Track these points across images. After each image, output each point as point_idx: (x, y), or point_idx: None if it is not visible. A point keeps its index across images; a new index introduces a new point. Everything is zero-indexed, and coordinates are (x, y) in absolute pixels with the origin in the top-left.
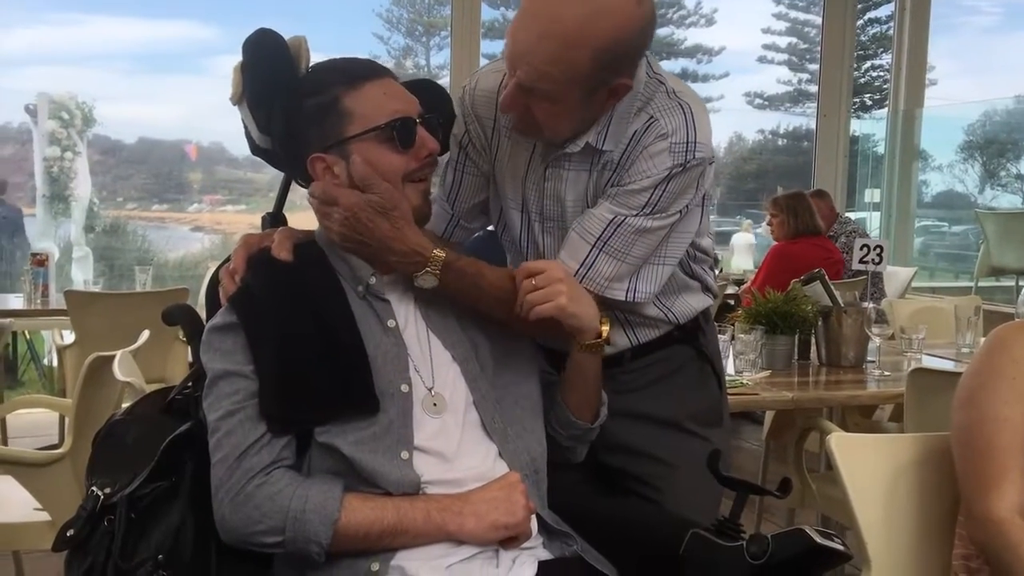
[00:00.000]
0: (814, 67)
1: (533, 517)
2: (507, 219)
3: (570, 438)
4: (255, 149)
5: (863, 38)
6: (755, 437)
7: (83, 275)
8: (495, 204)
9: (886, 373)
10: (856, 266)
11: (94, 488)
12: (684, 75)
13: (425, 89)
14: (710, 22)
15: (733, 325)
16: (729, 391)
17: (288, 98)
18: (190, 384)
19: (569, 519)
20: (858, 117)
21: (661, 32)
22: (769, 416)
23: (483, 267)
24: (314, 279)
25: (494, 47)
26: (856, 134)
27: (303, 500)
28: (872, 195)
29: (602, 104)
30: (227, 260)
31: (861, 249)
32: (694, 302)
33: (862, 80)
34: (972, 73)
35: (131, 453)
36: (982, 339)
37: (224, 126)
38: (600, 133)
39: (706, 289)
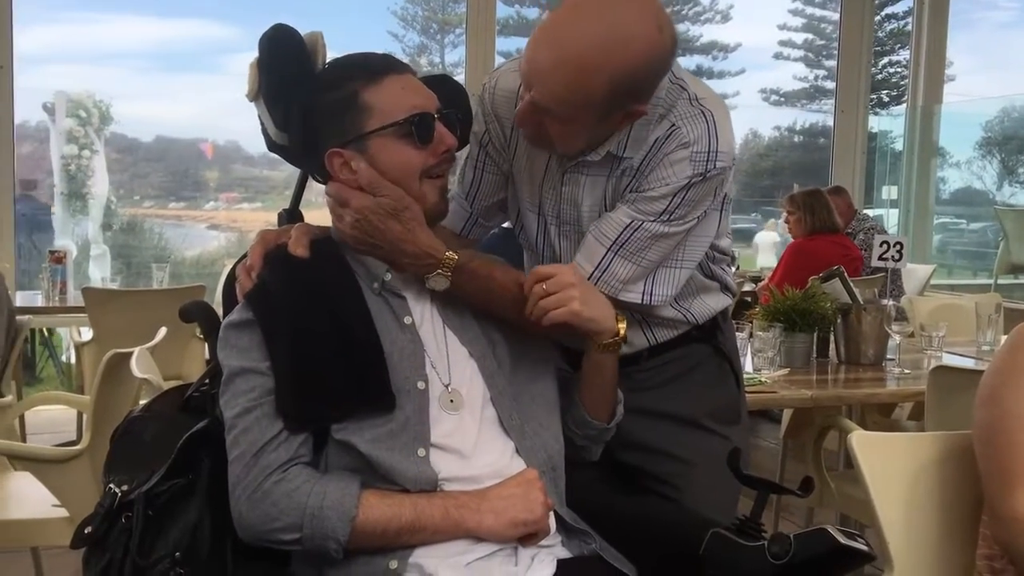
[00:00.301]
0: (831, 63)
1: (551, 514)
2: (523, 221)
3: (585, 437)
4: (271, 146)
5: (880, 34)
6: (772, 435)
7: (101, 272)
8: (513, 204)
9: (906, 371)
10: (875, 263)
11: (112, 485)
12: (699, 72)
13: (442, 84)
14: (726, 18)
15: (751, 322)
16: (747, 389)
17: (305, 93)
18: (207, 381)
19: (586, 517)
20: (875, 113)
21: (676, 29)
22: (787, 414)
23: (495, 269)
24: (331, 276)
25: (509, 44)
26: (873, 130)
27: (321, 497)
28: (890, 192)
29: (616, 125)
30: (244, 257)
31: (881, 246)
32: (713, 302)
33: (879, 76)
34: (990, 69)
35: (148, 450)
36: (1003, 337)
37: (240, 124)
38: (621, 141)
39: (725, 288)
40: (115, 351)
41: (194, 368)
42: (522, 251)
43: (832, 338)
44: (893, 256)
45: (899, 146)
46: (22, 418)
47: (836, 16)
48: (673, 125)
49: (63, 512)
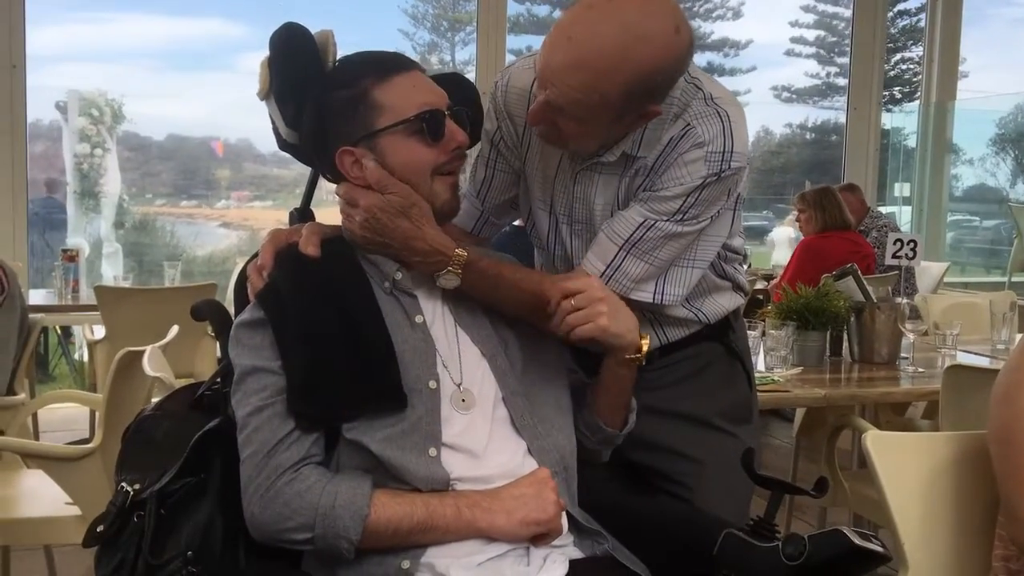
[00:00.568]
0: (843, 60)
1: (563, 514)
2: (535, 219)
3: (596, 442)
4: (282, 144)
5: (893, 30)
6: (784, 434)
7: (113, 271)
8: (524, 202)
9: (920, 370)
10: (889, 261)
11: (123, 484)
12: (710, 69)
13: (453, 82)
14: (737, 15)
15: (764, 321)
16: (760, 388)
17: (316, 91)
18: (219, 380)
19: (598, 517)
20: (888, 110)
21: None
22: (800, 413)
23: (505, 267)
24: (341, 274)
25: (520, 42)
26: (886, 127)
27: (332, 496)
28: (902, 189)
29: (631, 125)
30: (255, 255)
31: (895, 244)
32: (725, 302)
33: (892, 73)
34: (1004, 65)
35: (160, 449)
36: (1018, 335)
37: (251, 123)
38: (635, 140)
39: (737, 288)
40: (127, 349)
41: (206, 366)
42: (532, 249)
43: (845, 336)
44: (907, 254)
45: (912, 143)
46: (35, 416)
47: (848, 12)
48: (688, 124)
49: (76, 510)
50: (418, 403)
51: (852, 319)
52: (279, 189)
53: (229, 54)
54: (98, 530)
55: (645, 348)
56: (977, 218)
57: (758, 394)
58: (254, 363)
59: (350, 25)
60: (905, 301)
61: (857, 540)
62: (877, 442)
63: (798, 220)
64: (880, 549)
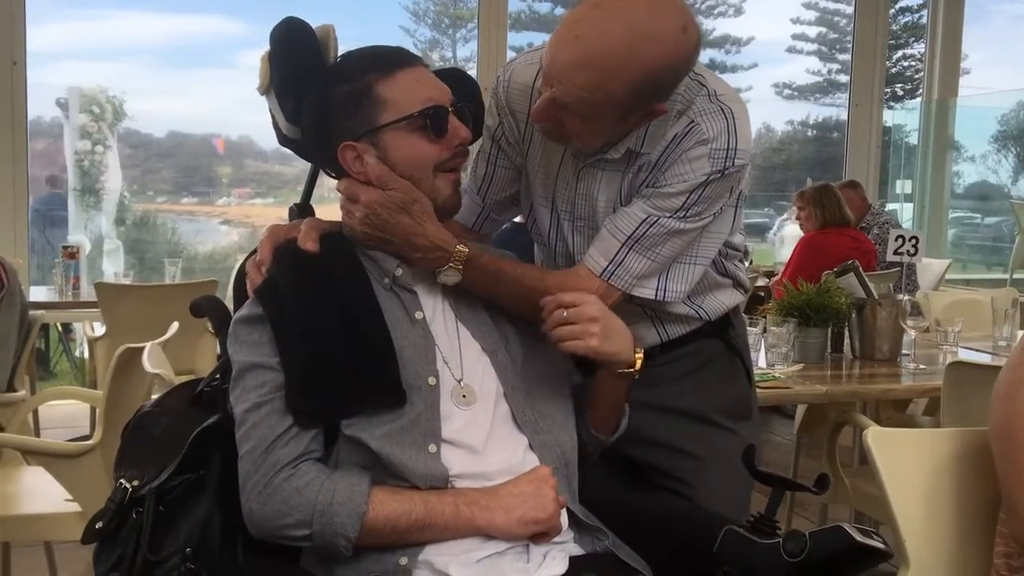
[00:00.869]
0: (844, 57)
1: (564, 511)
2: (536, 215)
3: (585, 446)
4: (283, 140)
5: (894, 27)
6: (785, 431)
7: (114, 268)
8: (525, 198)
9: (921, 367)
10: (891, 257)
11: (122, 481)
12: (712, 66)
13: (455, 78)
14: (738, 12)
15: (765, 318)
16: (761, 384)
17: (317, 86)
18: (218, 376)
19: (599, 513)
20: (890, 107)
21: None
22: (801, 410)
23: (506, 264)
24: (340, 270)
25: (521, 39)
26: (888, 124)
27: (330, 493)
28: (904, 186)
29: (636, 123)
30: (254, 252)
31: (896, 240)
32: (725, 299)
33: (894, 70)
34: (1005, 62)
35: (159, 446)
36: (1020, 332)
37: (252, 120)
38: (639, 137)
39: (738, 285)
40: (127, 346)
41: (206, 363)
42: (533, 245)
43: (847, 333)
44: (909, 250)
45: (914, 140)
46: (35, 412)
47: (850, 9)
48: (692, 121)
49: (76, 507)
50: (417, 399)
51: (853, 316)
52: (281, 186)
53: (230, 51)
54: (97, 526)
55: (639, 364)
56: (979, 215)
57: (759, 391)
58: (252, 359)
59: (350, 22)
60: (906, 298)
61: (858, 537)
62: (878, 439)
63: (798, 218)
64: (881, 546)
